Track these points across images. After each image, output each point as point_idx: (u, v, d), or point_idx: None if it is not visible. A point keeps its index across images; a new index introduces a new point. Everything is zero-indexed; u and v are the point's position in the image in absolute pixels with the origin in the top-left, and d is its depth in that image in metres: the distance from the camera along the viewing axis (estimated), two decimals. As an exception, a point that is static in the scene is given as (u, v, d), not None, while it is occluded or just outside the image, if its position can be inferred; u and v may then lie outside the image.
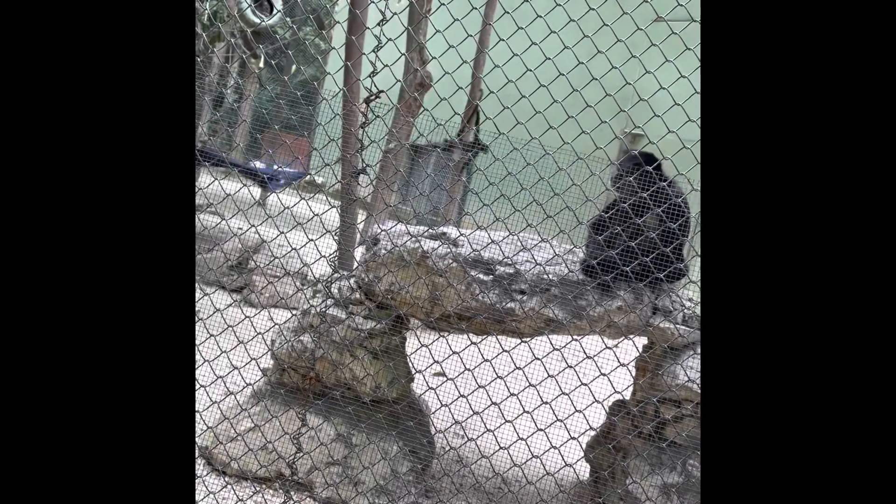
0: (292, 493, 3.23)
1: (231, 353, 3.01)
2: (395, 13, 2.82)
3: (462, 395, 2.84)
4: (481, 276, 3.08)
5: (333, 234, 3.08)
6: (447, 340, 2.87)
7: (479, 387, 2.83)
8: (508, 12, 2.63)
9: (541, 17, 2.46)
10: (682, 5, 2.40)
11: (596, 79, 2.50)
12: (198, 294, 2.99)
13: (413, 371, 3.47)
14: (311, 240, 2.91)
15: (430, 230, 3.27)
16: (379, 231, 3.35)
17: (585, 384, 2.70)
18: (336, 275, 3.47)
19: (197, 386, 2.76)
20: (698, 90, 2.45)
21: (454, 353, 2.82)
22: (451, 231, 3.27)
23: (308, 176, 6.93)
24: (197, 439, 3.40)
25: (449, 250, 3.12)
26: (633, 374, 3.47)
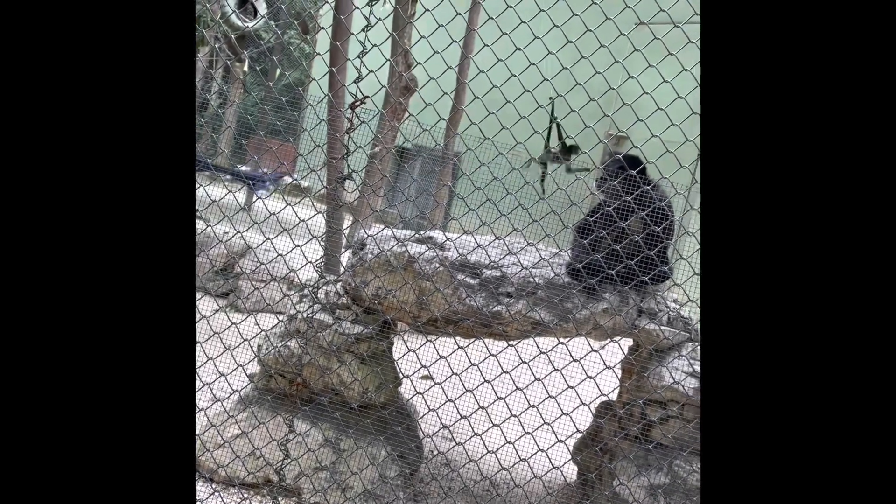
0: (280, 499, 3.21)
1: (217, 360, 2.99)
2: (379, 18, 2.83)
3: (450, 400, 2.84)
4: (468, 279, 3.08)
5: (320, 239, 3.07)
6: (434, 345, 2.88)
7: (467, 391, 2.84)
8: (493, 18, 2.65)
9: (525, 22, 2.48)
10: (664, 10, 2.43)
11: (580, 83, 2.52)
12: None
13: (400, 375, 3.47)
14: (298, 245, 2.90)
15: (417, 234, 3.27)
16: (365, 236, 3.35)
17: (572, 387, 2.72)
18: (322, 280, 3.46)
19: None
20: (681, 94, 2.49)
21: (441, 357, 2.83)
22: (438, 235, 3.28)
23: (287, 177, 6.86)
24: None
25: (435, 254, 3.13)
26: (619, 376, 3.49)
